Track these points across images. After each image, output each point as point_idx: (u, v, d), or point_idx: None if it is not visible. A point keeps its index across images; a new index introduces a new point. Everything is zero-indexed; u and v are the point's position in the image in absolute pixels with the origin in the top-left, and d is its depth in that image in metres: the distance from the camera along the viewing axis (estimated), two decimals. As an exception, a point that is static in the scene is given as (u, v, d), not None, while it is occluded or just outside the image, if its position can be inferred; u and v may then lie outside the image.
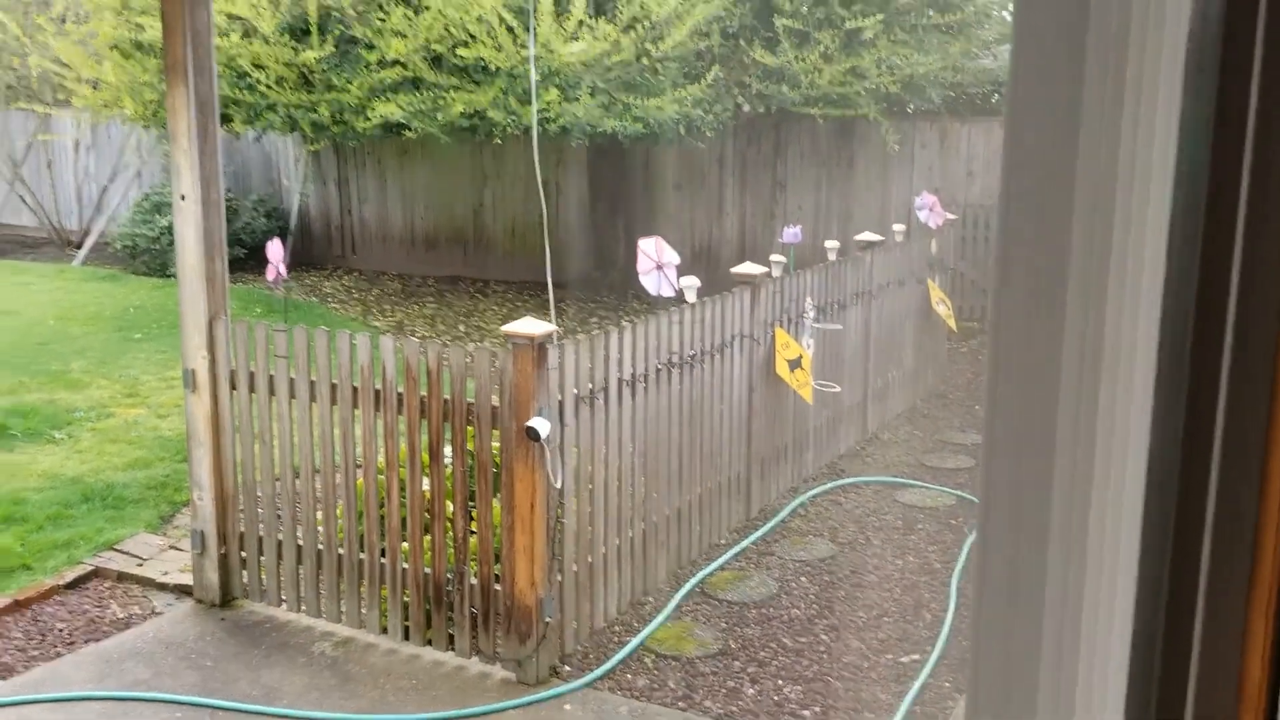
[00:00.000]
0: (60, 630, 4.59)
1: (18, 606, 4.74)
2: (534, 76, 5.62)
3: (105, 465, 6.45)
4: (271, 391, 4.57)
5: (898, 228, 7.86)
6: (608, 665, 4.33)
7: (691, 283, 5.17)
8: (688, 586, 5.02)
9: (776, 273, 5.98)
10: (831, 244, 6.92)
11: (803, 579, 5.15)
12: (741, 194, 11.76)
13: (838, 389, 6.52)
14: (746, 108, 10.70)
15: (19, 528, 5.46)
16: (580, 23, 9.06)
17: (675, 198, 11.98)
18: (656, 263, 4.90)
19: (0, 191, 15.88)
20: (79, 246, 14.67)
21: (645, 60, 9.37)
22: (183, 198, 4.52)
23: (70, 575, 5.02)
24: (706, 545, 5.46)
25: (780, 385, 5.93)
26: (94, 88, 11.82)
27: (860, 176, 11.18)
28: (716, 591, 5.02)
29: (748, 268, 5.80)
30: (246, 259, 13.11)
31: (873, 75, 9.64)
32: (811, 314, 6.21)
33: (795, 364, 5.87)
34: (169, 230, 12.52)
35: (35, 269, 13.69)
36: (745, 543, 5.55)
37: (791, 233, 6.37)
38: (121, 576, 5.07)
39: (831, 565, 5.32)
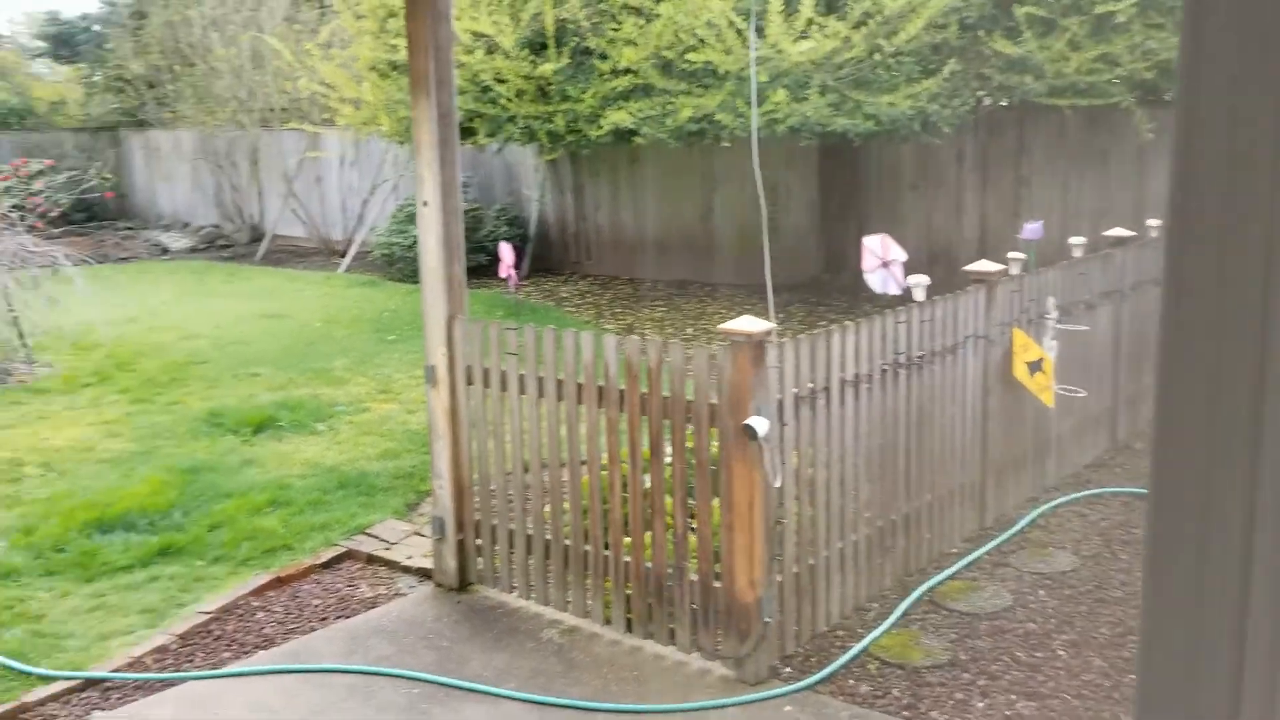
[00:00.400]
0: (315, 606, 4.96)
1: (279, 583, 5.16)
2: (754, 77, 5.60)
3: (360, 455, 6.92)
4: (503, 387, 4.77)
5: (1152, 223, 7.32)
6: (830, 669, 4.25)
7: (920, 280, 5.01)
8: (915, 594, 4.86)
9: (1015, 270, 5.70)
10: (1077, 240, 6.53)
11: (1040, 592, 4.88)
12: (982, 192, 11.29)
13: (1083, 394, 6.14)
14: (987, 101, 10.27)
15: (283, 511, 5.94)
16: (809, 21, 8.97)
17: (911, 197, 11.64)
18: (882, 260, 4.78)
19: (276, 206, 17.37)
20: (343, 255, 15.84)
21: (877, 56, 9.17)
22: (425, 204, 4.79)
23: (326, 556, 5.42)
24: (936, 553, 5.26)
25: (1018, 389, 5.65)
26: (355, 107, 12.74)
27: (1113, 169, 10.49)
28: (946, 601, 4.83)
29: (983, 265, 5.55)
30: (490, 265, 13.73)
31: (1125, 61, 9.03)
32: (1054, 314, 5.87)
33: (1035, 367, 5.58)
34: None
35: (306, 276, 14.88)
36: (979, 552, 5.32)
37: (1032, 228, 6.05)
38: (370, 559, 5.42)
39: (1073, 579, 5.01)
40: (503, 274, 7.92)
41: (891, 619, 4.63)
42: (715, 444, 4.26)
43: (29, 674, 4.27)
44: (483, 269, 13.65)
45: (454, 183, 4.81)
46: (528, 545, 4.83)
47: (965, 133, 10.87)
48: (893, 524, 4.97)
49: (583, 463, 4.61)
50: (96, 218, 18.75)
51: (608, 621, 4.61)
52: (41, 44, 22.85)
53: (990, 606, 4.78)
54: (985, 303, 5.45)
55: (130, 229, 18.67)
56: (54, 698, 4.14)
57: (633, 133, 10.10)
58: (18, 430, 7.62)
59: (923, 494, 5.16)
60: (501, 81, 10.68)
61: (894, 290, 4.74)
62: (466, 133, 11.20)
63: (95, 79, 20.33)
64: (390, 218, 14.65)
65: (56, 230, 16.24)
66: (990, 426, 5.61)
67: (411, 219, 13.92)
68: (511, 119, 10.87)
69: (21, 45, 25.53)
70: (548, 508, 4.77)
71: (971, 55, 9.54)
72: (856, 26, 9.09)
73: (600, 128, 10.16)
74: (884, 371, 4.79)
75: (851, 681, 4.19)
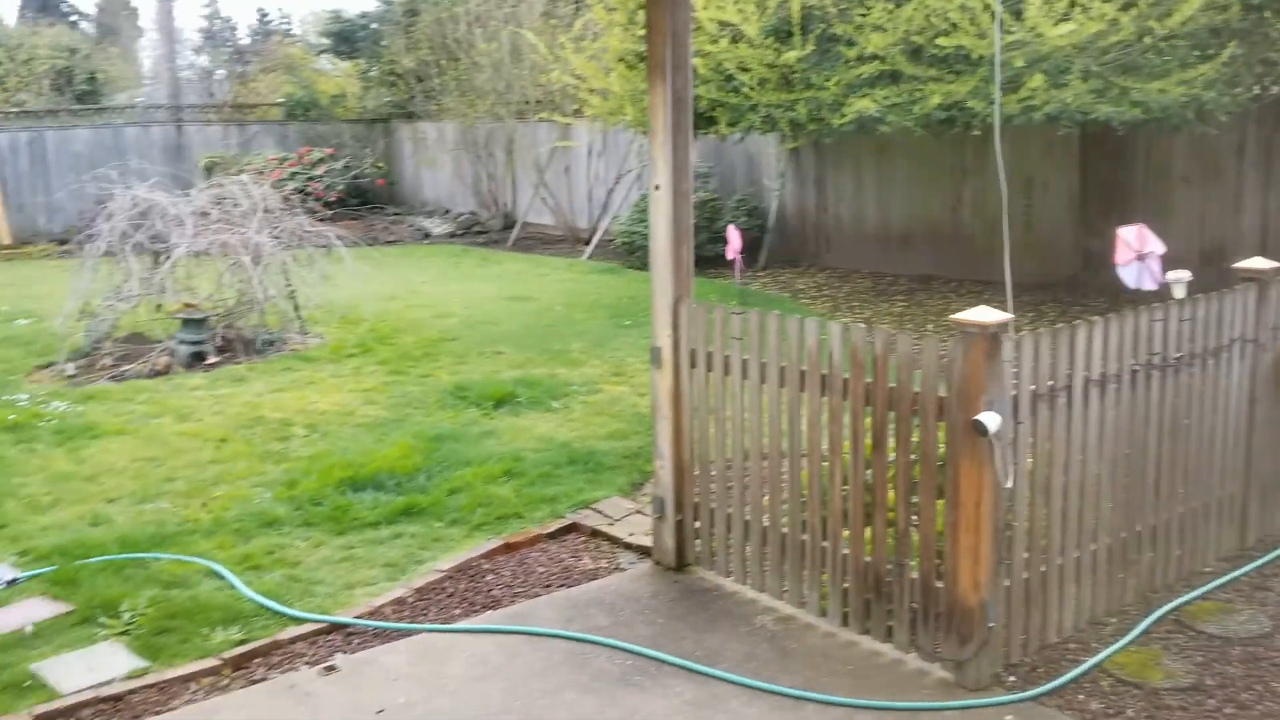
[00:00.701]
0: (540, 573, 5.15)
1: (509, 549, 5.39)
2: (998, 62, 5.35)
3: (590, 434, 7.13)
4: (725, 371, 4.78)
5: None
6: (1058, 681, 4.03)
7: (1180, 276, 4.64)
8: (1160, 612, 4.52)
9: (1293, 269, 5.18)
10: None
11: (1306, 622, 4.43)
12: (1264, 188, 10.31)
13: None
14: (1274, 89, 9.37)
15: (516, 481, 6.20)
16: (1072, 3, 8.46)
17: (1182, 191, 10.79)
18: (1137, 252, 4.46)
19: (527, 195, 18.12)
20: (587, 243, 16.33)
21: (1148, 39, 8.53)
22: (656, 188, 4.86)
23: (552, 527, 5.62)
24: (1186, 571, 4.87)
25: (1291, 398, 5.13)
26: (603, 97, 13.09)
27: None
28: (1194, 621, 4.47)
29: (1256, 263, 5.08)
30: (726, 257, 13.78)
31: None
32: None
33: (1314, 375, 5.05)
34: (661, 227, 13.56)
35: (551, 262, 15.45)
36: (1237, 573, 4.89)
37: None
38: (594, 533, 5.58)
39: (1347, 611, 4.51)
40: (729, 256, 7.92)
41: (1132, 635, 4.33)
42: (942, 439, 4.11)
43: (283, 614, 4.66)
44: (719, 260, 13.71)
45: (685, 167, 4.86)
46: (745, 531, 4.83)
47: (1246, 123, 9.96)
48: (1137, 536, 4.63)
49: (803, 456, 4.56)
50: (368, 203, 20.15)
51: (823, 613, 4.54)
52: (325, 41, 24.78)
53: (1245, 631, 4.37)
54: (1256, 303, 4.98)
55: (397, 214, 19.97)
56: (303, 638, 4.51)
57: (878, 121, 9.86)
58: (288, 394, 8.32)
59: (1173, 506, 4.78)
60: (745, 70, 10.67)
61: (1149, 285, 4.41)
62: (708, 122, 11.27)
63: (371, 73, 21.83)
64: (633, 207, 14.98)
65: (331, 213, 17.60)
66: (1256, 439, 5.13)
67: (653, 208, 14.16)
68: (753, 108, 10.85)
69: (308, 43, 27.83)
70: (766, 495, 4.75)
71: (1256, 38, 8.71)
72: (1125, 8, 8.50)
73: (844, 115, 9.98)
74: (1135, 372, 4.47)
75: (1081, 697, 3.95)
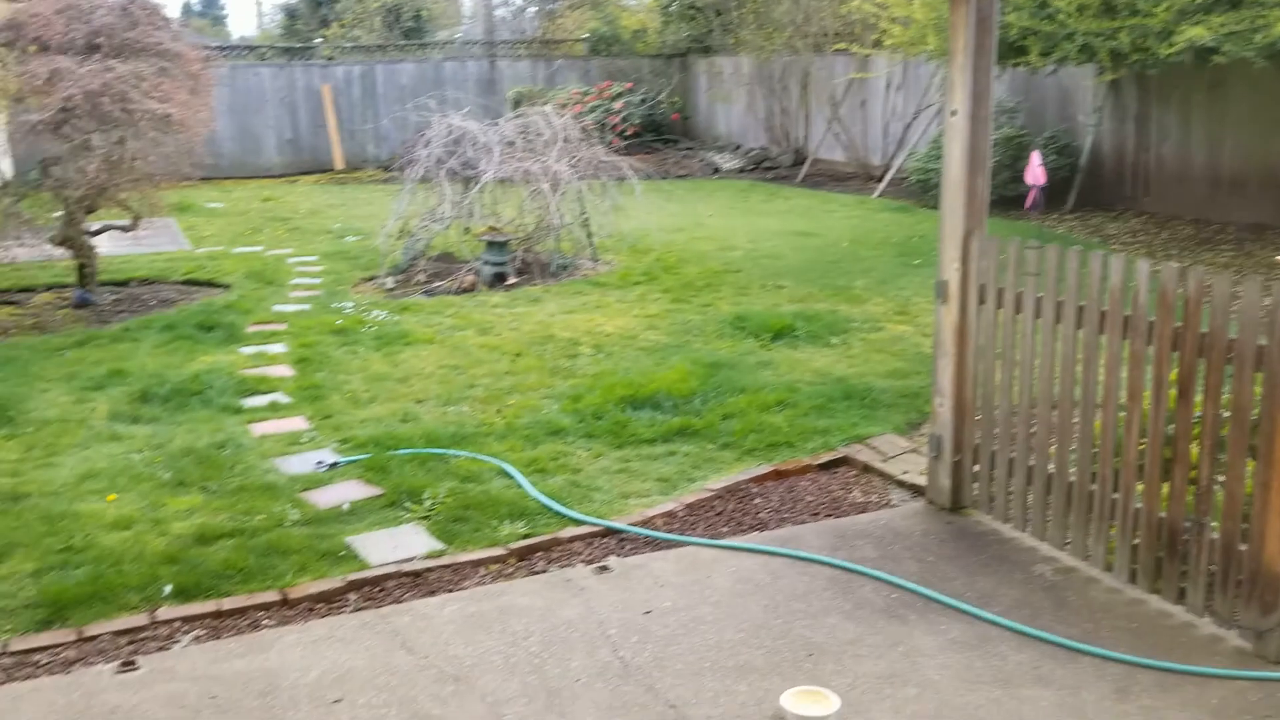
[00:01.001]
0: (808, 501, 5.17)
1: (778, 475, 5.43)
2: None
3: (868, 371, 7.02)
4: (1017, 309, 4.55)
5: None
6: (1378, 670, 3.62)
7: None
8: None
9: None
10: None
11: None
12: None
13: None
14: None
15: (789, 412, 6.22)
16: None
17: None
18: None
19: (820, 130, 17.84)
20: (879, 180, 15.93)
21: None
22: (953, 113, 4.66)
23: (824, 458, 5.60)
24: None
25: None
26: (904, 26, 12.61)
27: None
28: None
29: None
30: (1027, 196, 13.03)
31: None
32: None
33: None
34: (958, 165, 12.99)
35: (839, 199, 15.20)
36: None
37: None
38: (866, 468, 5.52)
39: None
40: (1027, 180, 7.44)
41: None
42: (1259, 392, 3.74)
43: (564, 515, 4.94)
44: (1021, 201, 13.00)
45: (986, 92, 4.62)
46: (1028, 476, 4.62)
47: None
48: None
49: (1098, 406, 4.29)
50: (662, 136, 20.54)
51: (1108, 568, 4.29)
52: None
53: None
54: None
55: (689, 149, 20.24)
56: (580, 538, 4.76)
57: (1212, 51, 8.95)
58: (578, 315, 8.71)
59: None
60: (1062, -4, 9.96)
61: None
62: (1018, 52, 10.64)
63: (671, 8, 22.09)
64: (931, 142, 14.42)
65: (626, 145, 18.08)
66: None
67: (951, 144, 13.57)
68: (1069, 36, 10.13)
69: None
70: (1054, 440, 4.52)
71: None
72: None
73: (1172, 45, 9.13)
74: None
75: (1406, 689, 3.53)
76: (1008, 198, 12.40)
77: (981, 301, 4.72)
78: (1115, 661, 3.71)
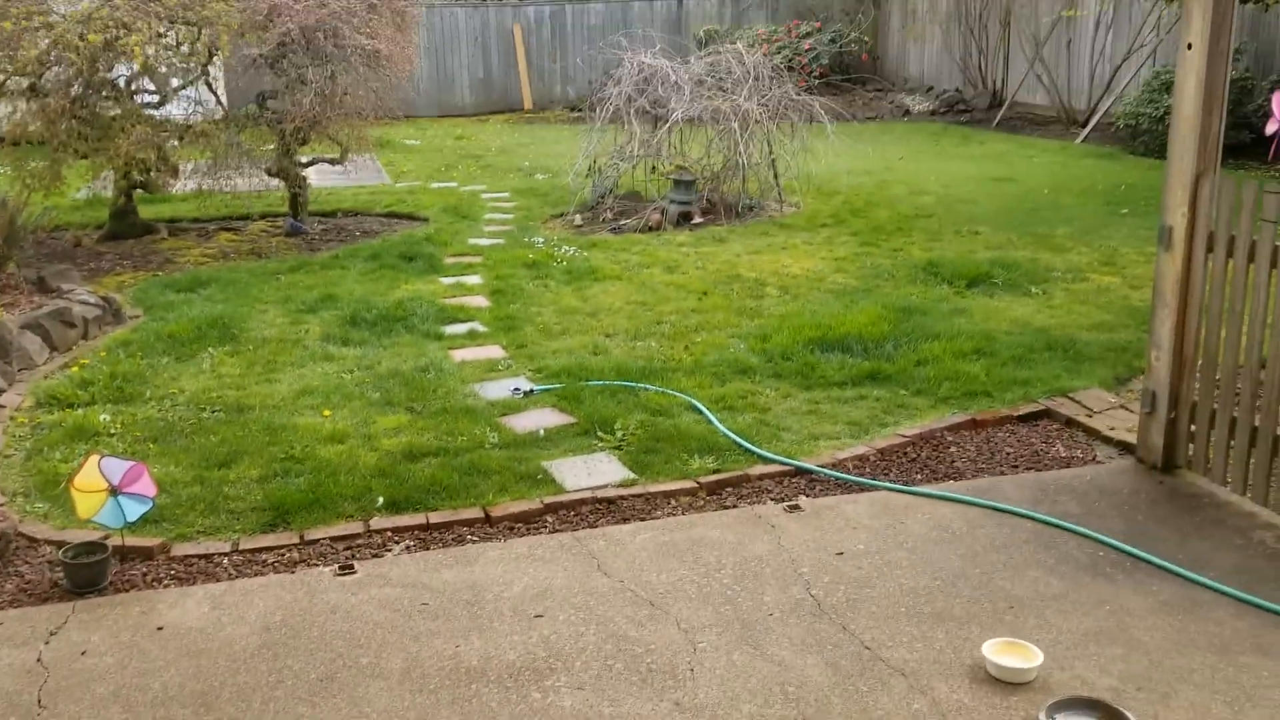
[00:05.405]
0: (1007, 454, 5.01)
1: (975, 425, 5.28)
2: None
3: (1070, 322, 6.71)
4: (1250, 259, 4.25)
5: None
6: None
7: None
8: None
9: None
10: None
11: None
12: None
13: None
14: None
15: (986, 361, 6.02)
16: None
17: None
18: None
19: (1020, 71, 17.00)
20: (1083, 125, 15.09)
21: None
22: (1189, 46, 4.35)
23: (1023, 410, 5.41)
24: None
25: None
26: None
27: None
28: None
29: None
30: (1253, 145, 12.14)
31: None
32: None
33: None
34: (1172, 111, 12.15)
35: (1039, 144, 14.49)
36: None
37: None
38: (1069, 422, 5.30)
39: None
40: (1269, 131, 6.88)
41: None
42: None
43: (754, 453, 4.95)
44: (1244, 149, 12.13)
45: (1226, 23, 4.28)
46: (1251, 438, 4.34)
47: None
48: None
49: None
50: (851, 77, 20.00)
51: (1338, 539, 4.01)
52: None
53: None
54: None
55: (880, 90, 19.65)
56: (769, 476, 4.76)
57: None
58: (764, 256, 8.64)
59: None
60: (1308, -77, 9.11)
61: None
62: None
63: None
64: (1143, 86, 13.55)
65: (814, 85, 17.69)
66: None
67: (1166, 88, 12.71)
68: (1313, -32, 9.27)
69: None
70: (1284, 400, 4.22)
71: None
72: None
73: None
74: None
75: None
76: (1227, 145, 11.54)
77: (1210, 250, 4.43)
78: (1347, 637, 3.48)
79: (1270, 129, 7.10)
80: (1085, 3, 15.31)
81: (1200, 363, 4.57)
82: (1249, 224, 4.25)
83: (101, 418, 5.41)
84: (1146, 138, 13.12)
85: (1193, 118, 4.39)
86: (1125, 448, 4.96)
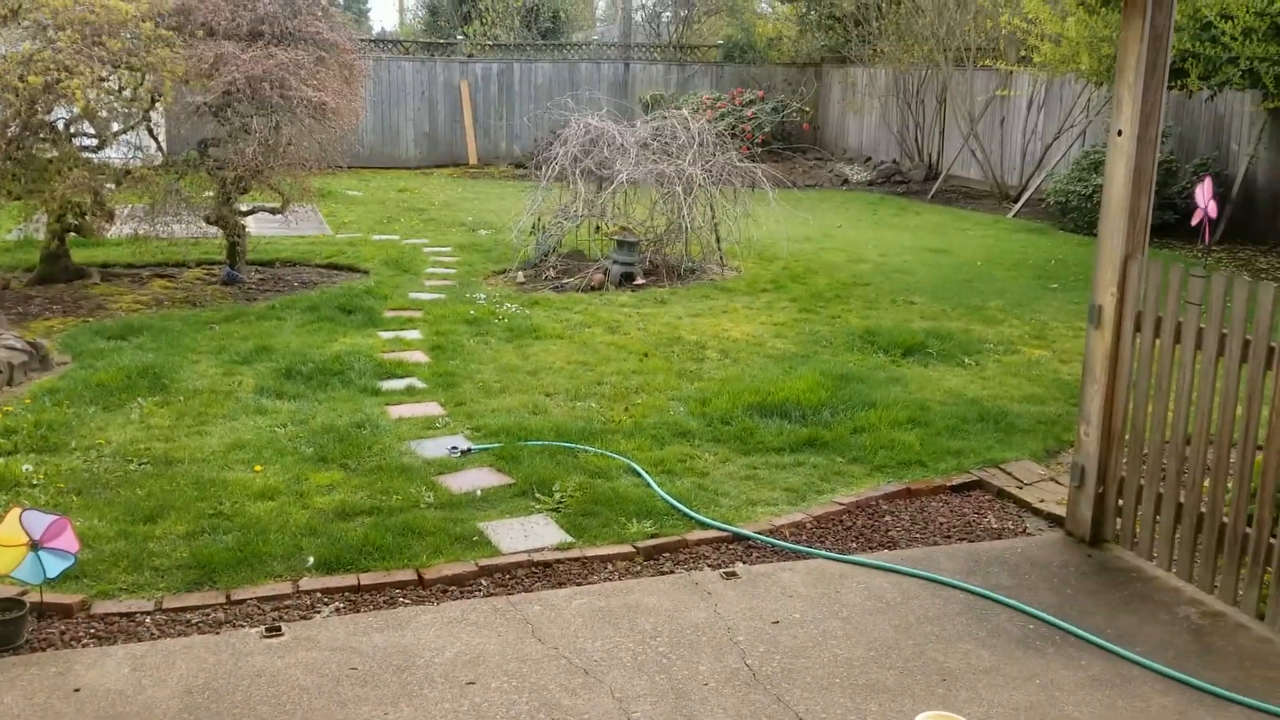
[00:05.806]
0: (940, 524, 5.07)
1: (909, 494, 5.34)
2: None
3: (1002, 394, 6.85)
4: (1176, 339, 4.38)
5: None
6: None
7: None
8: None
9: None
10: None
11: None
12: None
13: None
14: None
15: (921, 430, 6.11)
16: None
17: None
18: None
19: (955, 146, 17.49)
20: (1015, 200, 15.54)
21: None
22: (1119, 133, 4.51)
23: (956, 480, 5.49)
24: None
25: None
26: (1055, 44, 12.28)
27: None
28: None
29: None
30: (1178, 225, 12.59)
31: None
32: None
33: None
34: (1101, 190, 12.58)
35: (973, 217, 14.88)
36: None
37: None
38: (1001, 493, 5.39)
39: None
40: (1200, 201, 7.03)
41: None
42: None
43: (692, 518, 4.94)
44: (1169, 229, 12.58)
45: (1155, 112, 4.47)
46: (1177, 513, 4.44)
47: None
48: None
49: (1259, 447, 4.10)
50: (792, 145, 20.42)
51: (1260, 616, 4.11)
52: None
53: None
54: None
55: (820, 159, 20.07)
56: (707, 542, 4.76)
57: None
58: (705, 319, 8.71)
59: None
60: (1227, 18, 9.57)
61: None
62: (1176, 74, 10.27)
63: (810, 16, 21.93)
64: (1073, 165, 14.02)
65: (756, 153, 18.01)
66: None
67: (1095, 168, 13.17)
68: (1233, 60, 9.72)
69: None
70: (1207, 478, 4.34)
71: None
72: None
73: (1347, 72, 8.69)
74: None
75: None
76: (1153, 225, 11.97)
77: (1138, 329, 4.56)
78: (1268, 715, 3.55)
79: (1196, 220, 7.33)
80: (1018, 83, 15.85)
81: (1128, 438, 4.68)
82: (1175, 305, 4.39)
83: (24, 468, 5.25)
84: (1075, 214, 13.54)
85: (1123, 200, 4.55)
86: (1055, 520, 5.05)
